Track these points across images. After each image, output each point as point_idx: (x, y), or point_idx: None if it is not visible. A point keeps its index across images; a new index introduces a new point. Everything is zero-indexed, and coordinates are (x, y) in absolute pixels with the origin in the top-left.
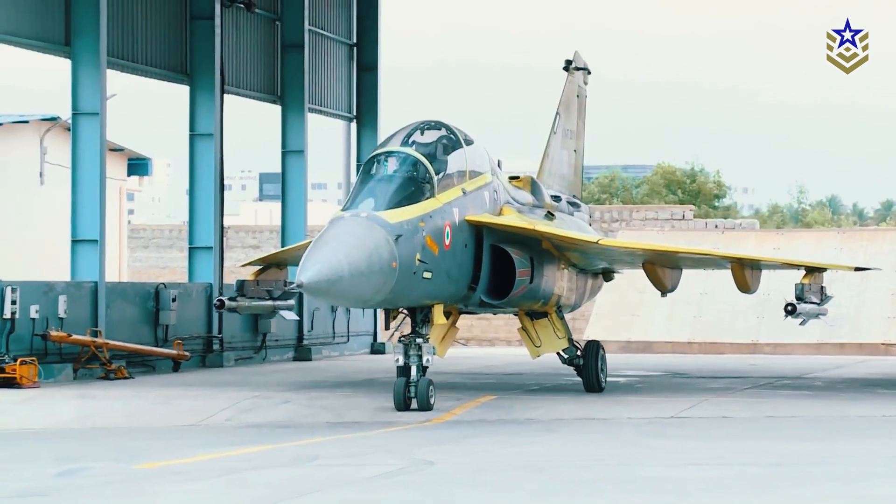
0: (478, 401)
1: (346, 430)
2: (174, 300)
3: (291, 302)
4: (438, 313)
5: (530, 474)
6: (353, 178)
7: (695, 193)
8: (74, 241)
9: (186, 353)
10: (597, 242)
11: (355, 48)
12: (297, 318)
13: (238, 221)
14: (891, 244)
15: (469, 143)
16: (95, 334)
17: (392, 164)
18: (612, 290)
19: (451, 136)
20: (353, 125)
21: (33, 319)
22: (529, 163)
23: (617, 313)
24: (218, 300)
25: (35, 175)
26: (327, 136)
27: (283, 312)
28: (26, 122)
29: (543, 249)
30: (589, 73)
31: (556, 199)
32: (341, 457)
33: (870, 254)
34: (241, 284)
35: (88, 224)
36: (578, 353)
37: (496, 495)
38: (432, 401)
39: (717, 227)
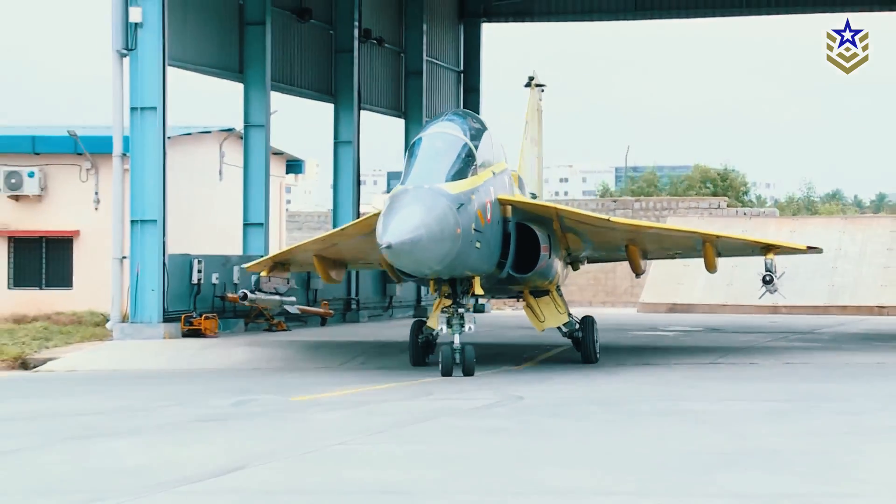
0: (547, 354)
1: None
2: None
3: (293, 298)
4: (478, 284)
5: (598, 406)
6: None
7: (726, 188)
8: (245, 224)
9: (331, 311)
10: (608, 220)
11: (462, 74)
12: (299, 311)
13: (369, 209)
14: (883, 228)
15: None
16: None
17: (441, 143)
18: (662, 265)
19: (481, 124)
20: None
21: (214, 284)
22: None
23: (666, 281)
24: (242, 292)
25: (215, 173)
26: None
27: (287, 307)
28: (209, 132)
29: (553, 230)
30: (543, 90)
31: (533, 195)
32: (450, 392)
33: (867, 236)
34: (258, 280)
35: (256, 211)
36: (577, 326)
37: (572, 423)
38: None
39: (745, 214)
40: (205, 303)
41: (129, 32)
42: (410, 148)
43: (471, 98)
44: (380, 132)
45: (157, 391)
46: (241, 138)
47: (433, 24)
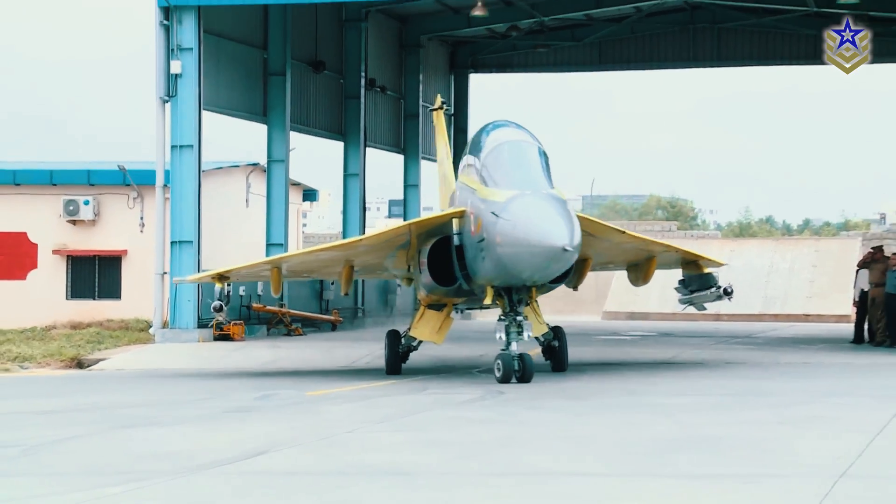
0: (532, 352)
1: (446, 371)
2: (332, 283)
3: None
4: (534, 292)
5: (570, 400)
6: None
7: (676, 214)
8: (268, 245)
9: (340, 318)
10: (624, 233)
11: (452, 116)
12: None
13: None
14: (808, 248)
15: None
16: (281, 305)
17: (529, 151)
18: (623, 276)
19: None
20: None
21: (241, 296)
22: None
23: (626, 292)
24: (218, 303)
25: (243, 201)
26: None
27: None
28: (237, 166)
29: None
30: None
31: None
32: (443, 388)
33: (794, 255)
34: (227, 295)
35: (277, 233)
36: (553, 336)
37: (547, 414)
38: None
39: (692, 236)
40: (233, 311)
41: (171, 82)
42: (492, 150)
43: (460, 137)
44: (382, 166)
45: (192, 387)
46: (265, 171)
47: (428, 74)
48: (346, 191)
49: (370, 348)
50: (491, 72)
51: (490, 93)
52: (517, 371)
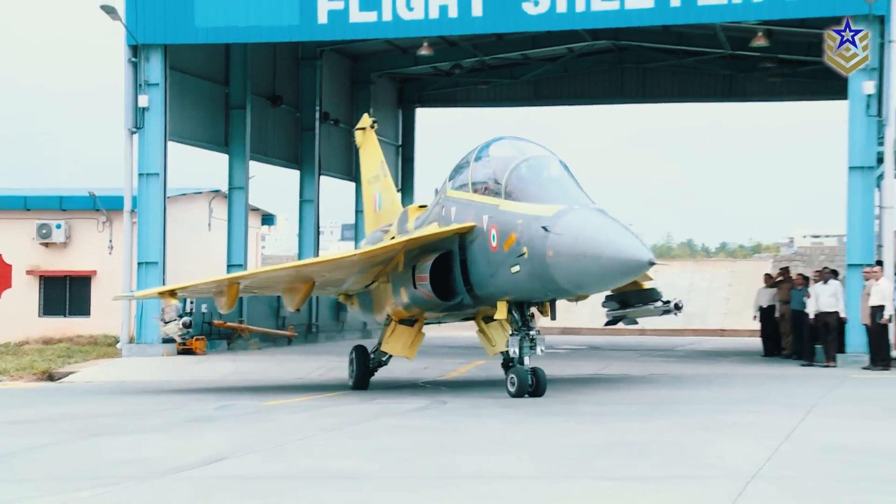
0: (473, 364)
1: (393, 383)
2: None
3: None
4: (548, 307)
5: (506, 409)
6: None
7: None
8: (229, 265)
9: (295, 334)
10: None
11: (400, 147)
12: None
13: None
14: (725, 269)
15: None
16: (241, 322)
17: (555, 164)
18: None
19: None
20: (399, 195)
21: (203, 313)
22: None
23: (560, 309)
24: (188, 319)
25: (205, 225)
26: None
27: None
28: (200, 192)
29: None
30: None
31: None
32: (389, 398)
33: (712, 275)
34: (190, 312)
35: (237, 255)
36: None
37: (484, 421)
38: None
39: None
40: (196, 328)
41: (138, 115)
42: (516, 167)
43: (407, 166)
44: (335, 193)
45: (156, 398)
46: (226, 198)
47: (377, 108)
48: (302, 216)
49: (322, 361)
50: (436, 106)
51: (436, 126)
52: (530, 385)
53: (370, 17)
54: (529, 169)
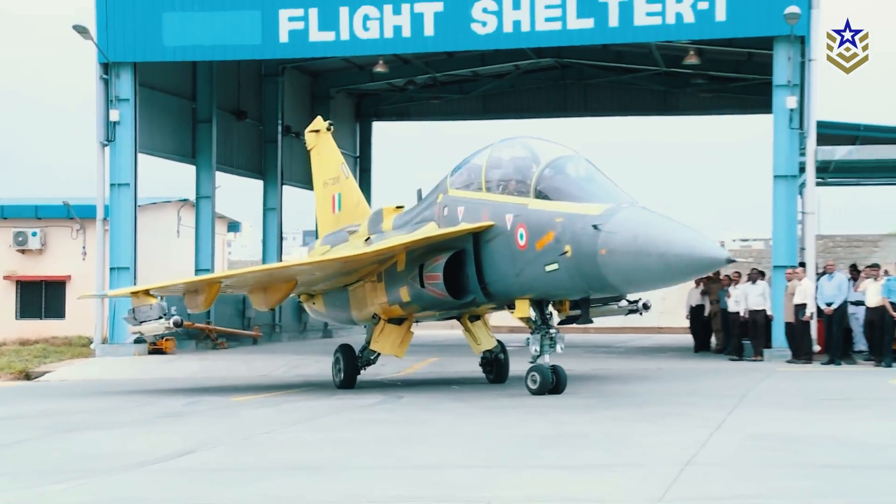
0: (426, 361)
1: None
2: None
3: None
4: (567, 305)
5: (459, 403)
6: None
7: None
8: (197, 270)
9: (260, 334)
10: None
11: (358, 158)
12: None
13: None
14: None
15: None
16: (208, 322)
17: (589, 166)
18: None
19: None
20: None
21: (173, 313)
22: None
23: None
24: (178, 318)
25: (174, 232)
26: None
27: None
28: (169, 201)
29: None
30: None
31: None
32: (349, 394)
33: None
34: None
35: (205, 260)
36: (501, 349)
37: (438, 415)
38: None
39: None
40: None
41: (110, 128)
42: (549, 164)
43: (364, 176)
44: (297, 201)
45: (128, 396)
46: (194, 206)
47: (336, 121)
48: (266, 223)
49: (286, 360)
50: (391, 120)
51: (391, 138)
52: (551, 382)
53: (328, 36)
54: (561, 168)
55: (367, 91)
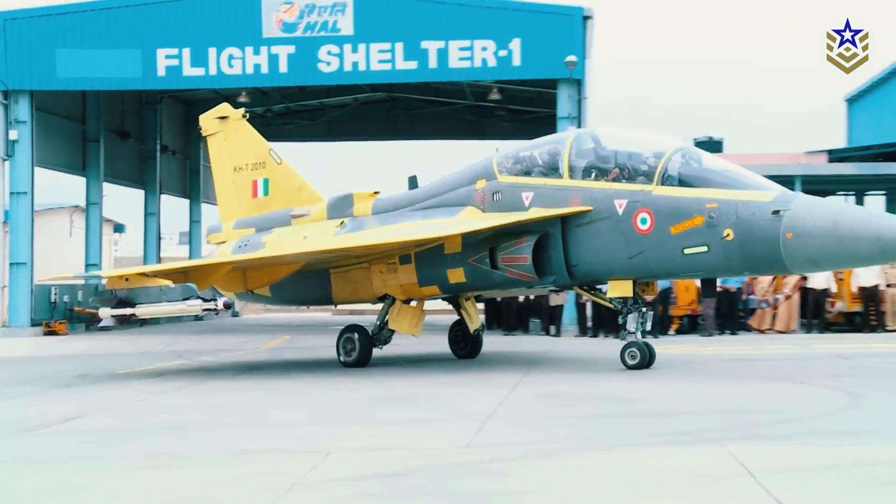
0: (282, 338)
1: (216, 354)
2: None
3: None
4: (654, 286)
5: (307, 371)
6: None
7: None
8: (87, 265)
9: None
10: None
11: None
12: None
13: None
14: None
15: None
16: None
17: (714, 157)
18: None
19: None
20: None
21: (65, 301)
22: None
23: None
24: (229, 300)
25: (67, 233)
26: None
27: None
28: (63, 207)
29: None
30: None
31: None
32: (217, 366)
33: None
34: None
35: (93, 257)
36: (482, 328)
37: (292, 382)
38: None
39: None
40: (59, 314)
41: (9, 146)
42: (652, 153)
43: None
44: (173, 208)
45: (25, 371)
46: (84, 211)
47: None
48: (147, 226)
49: (166, 339)
50: None
51: None
52: (646, 357)
53: (199, 71)
54: (694, 156)
55: None
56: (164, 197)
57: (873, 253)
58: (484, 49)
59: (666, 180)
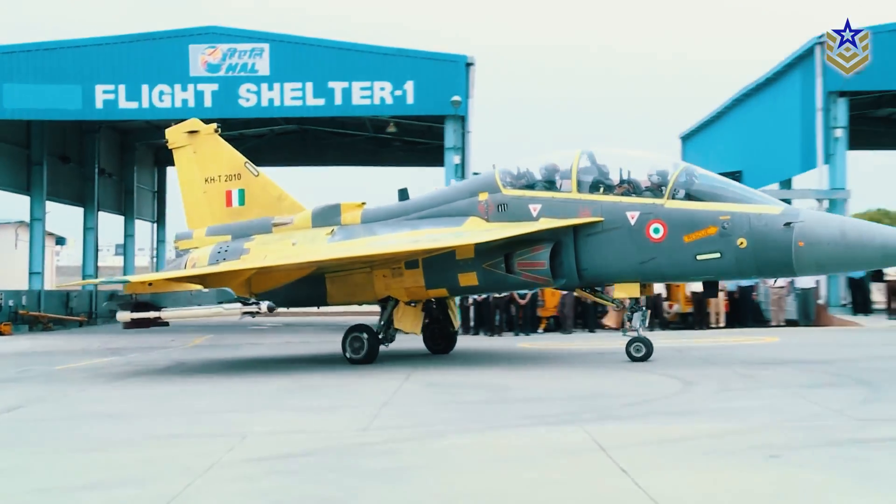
0: (205, 337)
1: (147, 352)
2: (75, 296)
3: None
4: (652, 287)
5: (227, 368)
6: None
7: None
8: (31, 273)
9: (84, 318)
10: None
11: (155, 193)
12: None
13: (103, 265)
14: None
15: None
16: (39, 311)
17: (714, 175)
18: None
19: None
20: (156, 226)
21: (10, 305)
22: None
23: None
24: (271, 304)
25: (14, 246)
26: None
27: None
28: (9, 222)
29: None
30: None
31: None
32: (146, 361)
33: None
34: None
35: (37, 266)
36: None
37: (213, 377)
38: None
39: None
40: (3, 316)
41: None
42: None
43: (161, 207)
44: (110, 223)
45: None
46: (28, 226)
47: (140, 167)
48: (86, 239)
49: (101, 339)
50: None
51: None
52: (650, 351)
53: (133, 105)
54: (697, 174)
55: (162, 145)
56: (101, 214)
57: (877, 258)
58: (382, 89)
59: (676, 195)
